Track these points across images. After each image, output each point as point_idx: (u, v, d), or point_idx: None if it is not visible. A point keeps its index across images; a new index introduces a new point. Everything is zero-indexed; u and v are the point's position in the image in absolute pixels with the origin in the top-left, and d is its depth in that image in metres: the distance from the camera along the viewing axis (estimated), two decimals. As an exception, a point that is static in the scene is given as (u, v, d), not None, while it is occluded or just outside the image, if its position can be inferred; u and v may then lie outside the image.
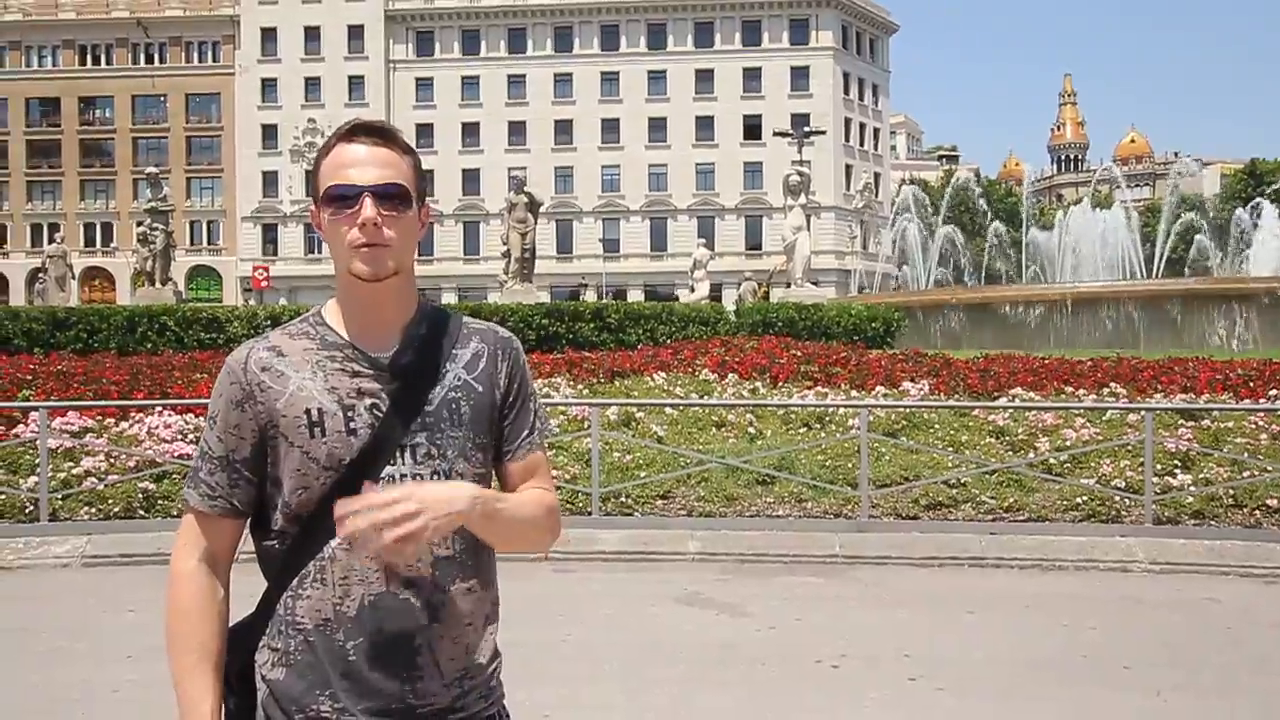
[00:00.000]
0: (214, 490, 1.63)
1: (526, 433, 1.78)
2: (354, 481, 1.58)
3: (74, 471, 7.91)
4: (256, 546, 1.68)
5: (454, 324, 1.73)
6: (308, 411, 1.59)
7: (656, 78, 68.41)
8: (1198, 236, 34.90)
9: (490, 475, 1.75)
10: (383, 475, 1.60)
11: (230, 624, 1.68)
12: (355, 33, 69.19)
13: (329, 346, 1.64)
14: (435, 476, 1.62)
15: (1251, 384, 9.51)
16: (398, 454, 1.61)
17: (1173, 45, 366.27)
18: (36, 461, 7.81)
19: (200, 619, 1.63)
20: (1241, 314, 18.70)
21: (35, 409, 8.14)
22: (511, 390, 1.75)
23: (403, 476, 1.61)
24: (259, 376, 1.62)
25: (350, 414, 1.60)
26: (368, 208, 1.59)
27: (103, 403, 8.84)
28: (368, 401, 1.61)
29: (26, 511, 7.73)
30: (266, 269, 55.47)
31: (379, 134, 1.64)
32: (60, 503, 7.76)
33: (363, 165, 1.60)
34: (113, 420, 8.60)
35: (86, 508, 7.76)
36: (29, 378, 9.90)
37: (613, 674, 5.07)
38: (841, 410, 9.04)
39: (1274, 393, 9.27)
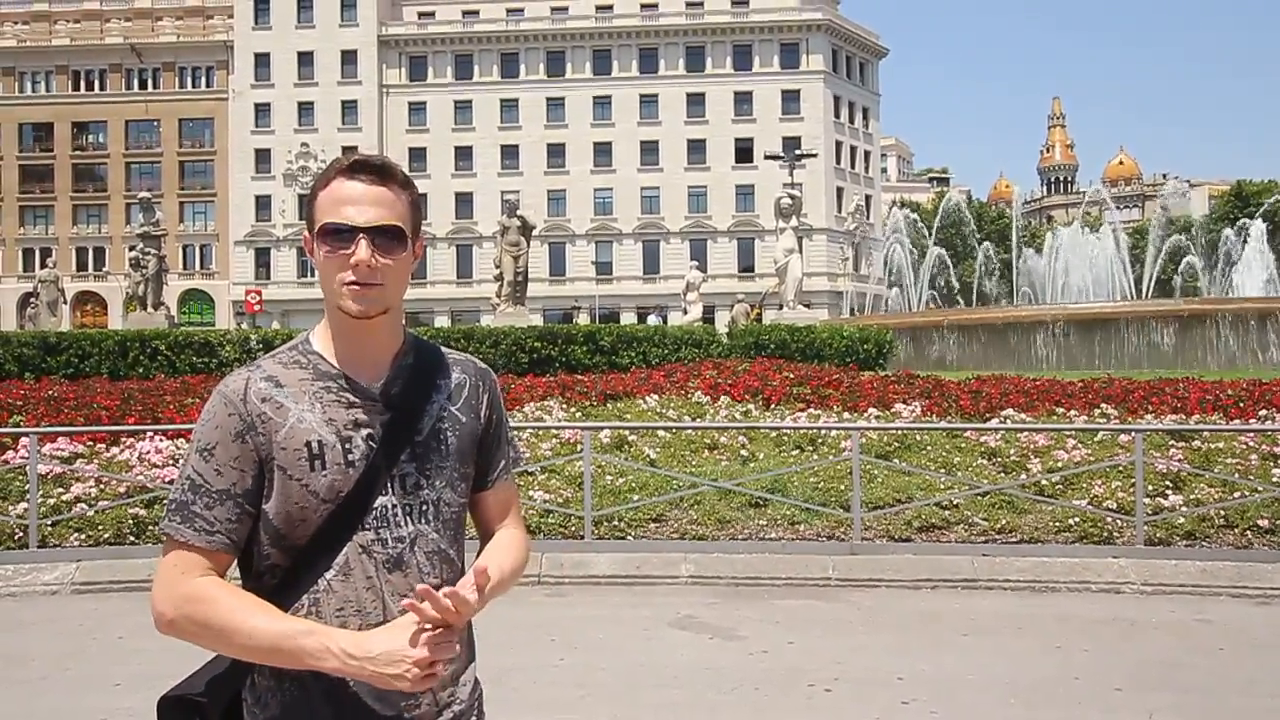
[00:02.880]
0: (213, 525, 1.57)
1: (504, 463, 1.81)
2: (349, 512, 1.59)
3: (64, 497, 7.87)
4: (244, 581, 1.66)
5: (437, 355, 1.75)
6: (308, 444, 1.58)
7: (648, 101, 68.86)
8: (1187, 258, 35.13)
9: (467, 505, 1.76)
10: (374, 506, 1.61)
11: (209, 668, 1.66)
12: (348, 57, 69.59)
13: (323, 376, 1.64)
14: (424, 506, 1.64)
15: (1241, 404, 9.54)
16: (388, 484, 1.62)
17: (1160, 68, 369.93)
18: (26, 488, 7.77)
19: (233, 593, 1.57)
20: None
21: (25, 434, 8.11)
22: (492, 420, 1.78)
23: (393, 506, 1.62)
24: (260, 408, 1.59)
25: (348, 445, 1.60)
26: (362, 249, 1.59)
27: (94, 428, 8.80)
28: (364, 433, 1.62)
29: (16, 538, 7.68)
30: (259, 292, 55.44)
31: (378, 172, 1.64)
32: (50, 529, 7.72)
33: (360, 204, 1.61)
34: (103, 446, 8.56)
35: (76, 534, 7.72)
36: (19, 403, 9.86)
37: (605, 698, 5.04)
38: (834, 432, 9.05)
39: (1264, 413, 9.30)
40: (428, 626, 1.51)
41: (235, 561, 1.65)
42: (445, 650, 1.52)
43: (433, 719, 1.63)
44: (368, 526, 1.60)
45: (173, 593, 1.57)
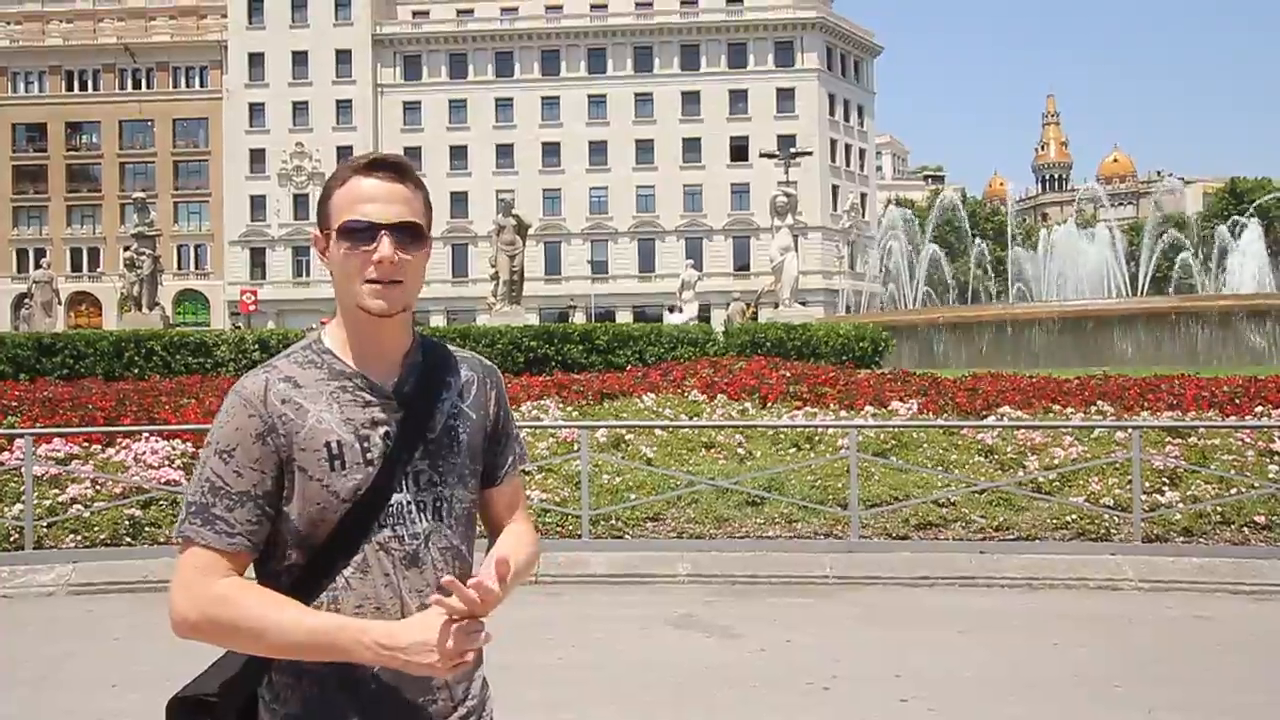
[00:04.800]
0: (234, 527, 1.56)
1: (511, 459, 1.83)
2: (367, 510, 1.60)
3: (59, 499, 7.85)
4: (260, 581, 1.65)
5: (445, 353, 1.76)
6: (328, 444, 1.59)
7: (643, 100, 68.83)
8: (1181, 254, 35.18)
9: (477, 502, 1.77)
10: (391, 503, 1.62)
11: (219, 666, 1.65)
12: (343, 57, 69.46)
13: (338, 376, 1.64)
14: (437, 503, 1.66)
15: (1237, 400, 9.55)
16: (403, 481, 1.63)
17: (1154, 65, 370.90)
18: (21, 489, 7.75)
19: (259, 591, 1.57)
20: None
21: (20, 436, 8.09)
22: (500, 417, 1.79)
23: (408, 504, 1.63)
24: (280, 409, 1.59)
25: (366, 444, 1.61)
26: (385, 246, 1.60)
27: (89, 429, 8.77)
28: (381, 431, 1.63)
29: (11, 540, 7.66)
30: (254, 293, 55.34)
31: (396, 170, 1.65)
32: (45, 530, 7.69)
33: (380, 201, 1.61)
34: (99, 447, 8.53)
35: (72, 535, 7.70)
36: (14, 404, 9.82)
37: (603, 697, 5.04)
38: (831, 430, 9.05)
39: (1260, 409, 9.32)
40: (455, 617, 1.52)
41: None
42: (473, 640, 1.52)
43: (449, 714, 1.65)
44: (384, 524, 1.61)
45: (195, 595, 1.55)
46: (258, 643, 1.54)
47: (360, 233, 1.61)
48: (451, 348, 1.79)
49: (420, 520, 1.64)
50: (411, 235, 1.63)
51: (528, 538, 1.81)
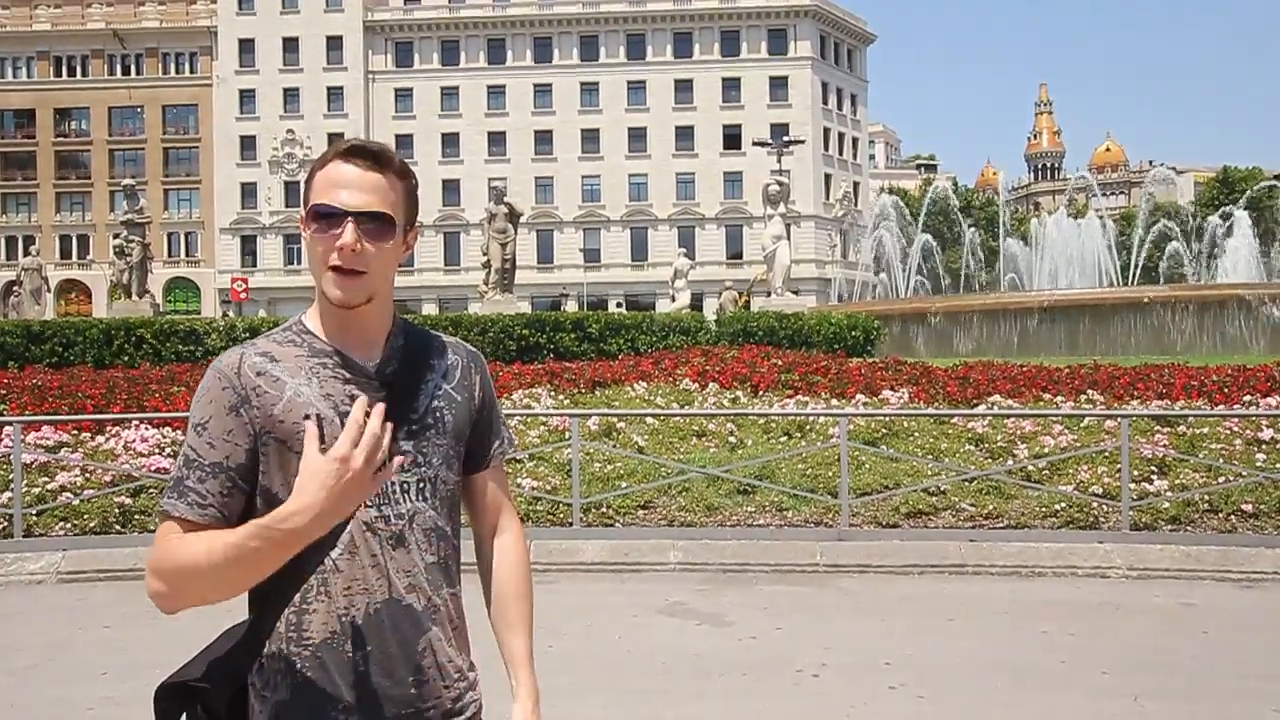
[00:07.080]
0: (204, 498, 1.56)
1: (498, 443, 1.84)
2: None
3: (49, 486, 7.83)
4: None
5: (428, 336, 1.76)
6: (307, 417, 1.58)
7: (636, 88, 68.64)
8: (1172, 244, 35.30)
9: (459, 485, 1.77)
10: None
11: (209, 652, 1.65)
12: (334, 43, 69.08)
13: (318, 354, 1.64)
14: (422, 484, 1.66)
15: (1226, 390, 9.60)
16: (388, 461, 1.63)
17: (1148, 54, 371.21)
18: (10, 477, 7.73)
19: (195, 534, 1.52)
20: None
21: (9, 423, 8.05)
22: (485, 401, 1.80)
23: (392, 484, 1.63)
24: (254, 381, 1.59)
25: (346, 420, 1.59)
26: (348, 233, 1.58)
27: (78, 417, 8.74)
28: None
29: (0, 528, 7.64)
30: (245, 280, 55.17)
31: (374, 157, 1.63)
32: (35, 518, 7.68)
33: (351, 188, 1.60)
34: (89, 434, 8.51)
35: (62, 523, 7.68)
36: (3, 392, 9.79)
37: (594, 685, 5.05)
38: (822, 419, 9.07)
39: (1248, 398, 9.36)
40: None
41: None
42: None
43: (437, 695, 1.65)
44: (370, 503, 1.61)
45: (153, 559, 1.55)
46: (201, 579, 1.49)
47: (327, 217, 1.60)
48: (435, 332, 1.79)
49: (405, 500, 1.64)
50: (379, 226, 1.61)
51: (520, 555, 1.83)
